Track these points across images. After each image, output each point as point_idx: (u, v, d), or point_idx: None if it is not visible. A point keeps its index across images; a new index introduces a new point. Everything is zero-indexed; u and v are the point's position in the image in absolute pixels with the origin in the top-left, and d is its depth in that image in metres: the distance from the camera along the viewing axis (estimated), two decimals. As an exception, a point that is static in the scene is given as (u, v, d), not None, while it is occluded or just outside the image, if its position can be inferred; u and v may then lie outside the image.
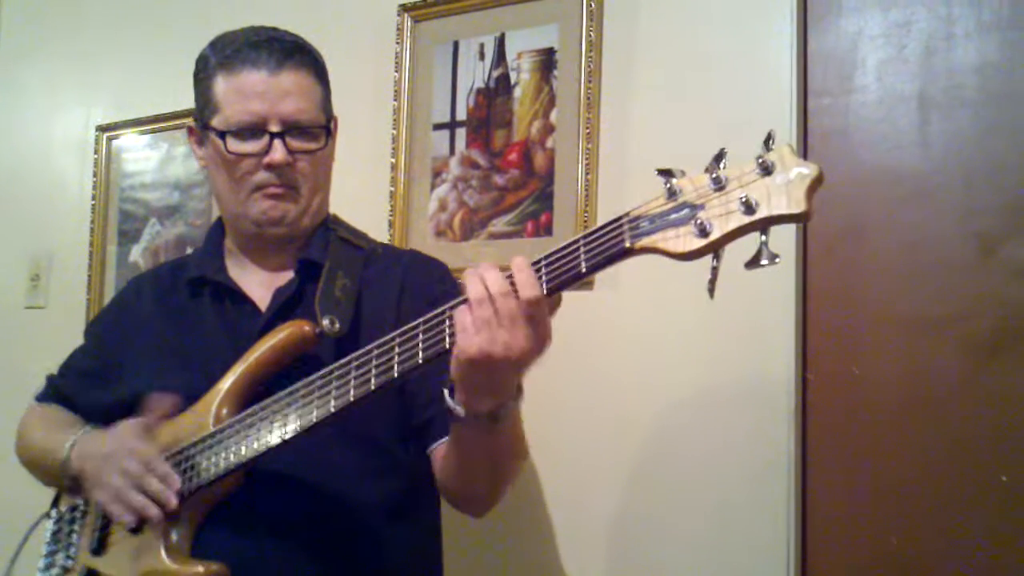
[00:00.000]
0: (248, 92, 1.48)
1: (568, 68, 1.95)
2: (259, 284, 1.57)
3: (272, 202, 1.51)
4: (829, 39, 1.76)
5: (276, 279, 1.56)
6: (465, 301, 1.16)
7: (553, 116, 1.96)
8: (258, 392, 1.41)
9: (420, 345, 1.22)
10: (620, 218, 1.08)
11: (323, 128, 1.54)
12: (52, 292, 2.76)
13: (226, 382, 1.43)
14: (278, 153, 1.48)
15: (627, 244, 1.06)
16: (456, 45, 2.11)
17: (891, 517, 1.63)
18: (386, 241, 2.08)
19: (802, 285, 1.72)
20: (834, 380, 1.69)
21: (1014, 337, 1.57)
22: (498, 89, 2.04)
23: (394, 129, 2.15)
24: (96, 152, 2.70)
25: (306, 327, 1.43)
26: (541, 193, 1.95)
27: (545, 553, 1.88)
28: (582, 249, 1.10)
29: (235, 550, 1.36)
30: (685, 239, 1.02)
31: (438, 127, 2.12)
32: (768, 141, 1.00)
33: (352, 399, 1.26)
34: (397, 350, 1.24)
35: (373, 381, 1.25)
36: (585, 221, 1.86)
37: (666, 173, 1.05)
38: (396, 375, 1.23)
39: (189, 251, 2.27)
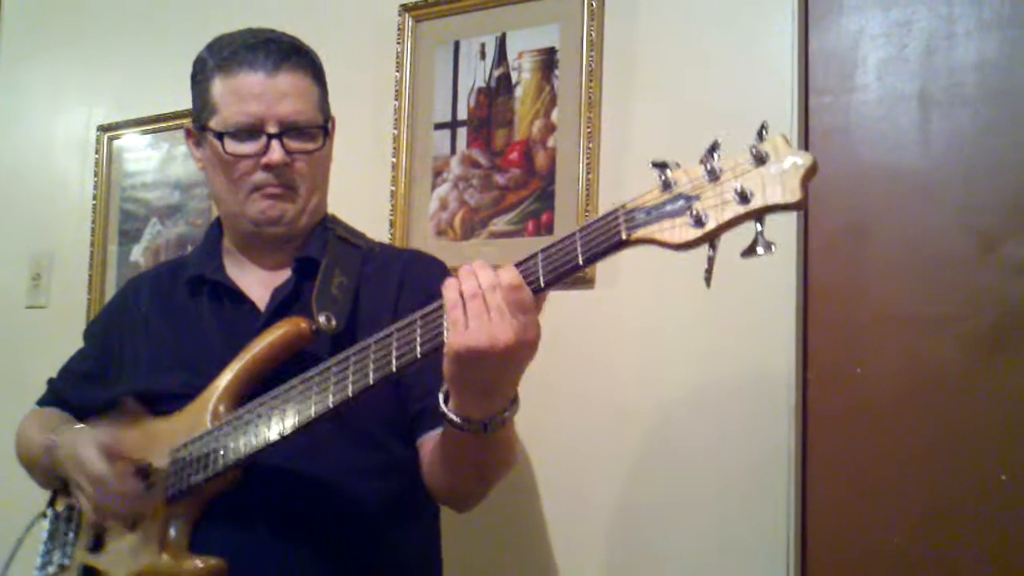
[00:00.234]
0: (245, 94, 1.49)
1: (569, 68, 1.95)
2: (257, 283, 1.57)
3: (270, 202, 1.52)
4: (830, 38, 1.76)
5: (274, 278, 1.57)
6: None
7: (554, 115, 1.96)
8: (255, 389, 1.41)
9: (418, 339, 1.22)
10: (616, 210, 1.08)
11: (320, 128, 1.55)
12: (53, 292, 2.76)
13: (223, 380, 1.44)
14: (276, 154, 1.49)
15: (623, 236, 1.07)
16: (457, 45, 2.11)
17: (891, 512, 1.63)
18: (387, 240, 2.08)
19: (803, 282, 1.72)
20: (834, 376, 1.69)
21: (1014, 334, 1.57)
22: (499, 89, 2.04)
23: (395, 129, 2.15)
24: (97, 152, 2.71)
25: (302, 324, 1.43)
26: (542, 192, 1.95)
27: (544, 545, 1.88)
28: (579, 242, 1.11)
29: (233, 546, 1.37)
30: (681, 230, 1.02)
31: (439, 127, 2.12)
32: (762, 131, 1.00)
33: (351, 394, 1.27)
34: (395, 344, 1.24)
35: (371, 375, 1.25)
36: (586, 220, 1.85)
37: (661, 165, 1.05)
38: (394, 369, 1.24)
39: (189, 250, 2.26)
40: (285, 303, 1.51)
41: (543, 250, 1.14)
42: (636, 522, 1.80)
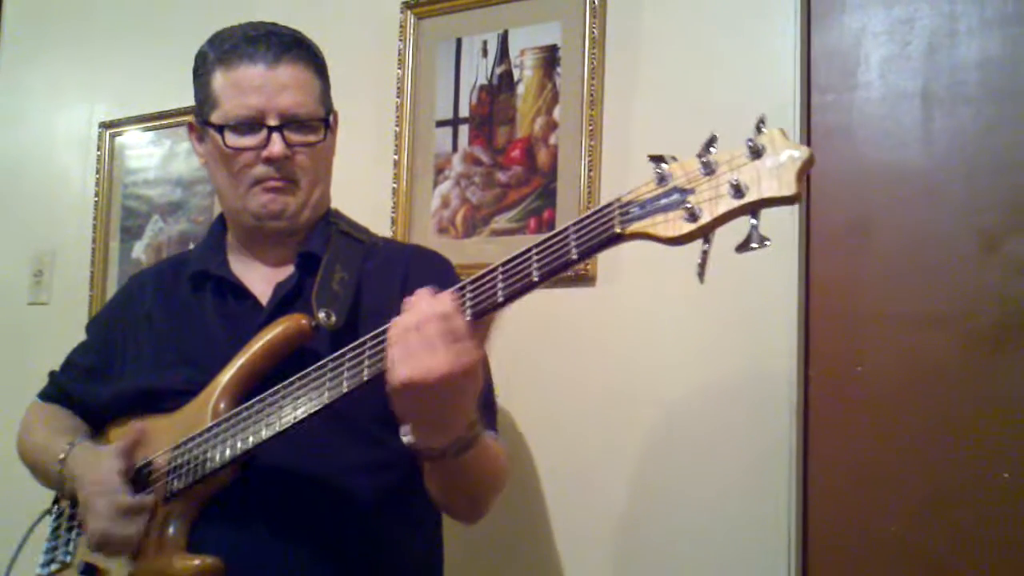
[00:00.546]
0: (245, 86, 1.48)
1: (571, 65, 1.94)
2: (260, 279, 1.57)
3: (272, 195, 1.51)
4: (833, 36, 1.76)
5: (277, 273, 1.56)
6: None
7: (556, 113, 1.96)
8: (256, 386, 1.41)
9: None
10: (610, 204, 1.07)
11: (322, 121, 1.54)
12: (55, 288, 2.76)
13: (224, 377, 1.44)
14: (276, 147, 1.48)
15: (617, 229, 1.06)
16: (459, 42, 2.11)
17: (892, 510, 1.63)
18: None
19: (805, 279, 1.71)
20: (835, 373, 1.69)
21: (1016, 333, 1.56)
22: (501, 86, 2.04)
23: (397, 126, 2.15)
24: (99, 149, 2.71)
25: (302, 321, 1.43)
26: (544, 190, 1.95)
27: (544, 544, 1.87)
28: (572, 236, 1.09)
29: (231, 543, 1.37)
30: (675, 224, 1.01)
31: (441, 124, 2.11)
32: (760, 125, 1.00)
33: (345, 390, 1.26)
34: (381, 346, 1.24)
35: (366, 372, 1.24)
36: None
37: (658, 159, 1.04)
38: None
39: (191, 247, 2.26)
40: (287, 299, 1.51)
41: (536, 245, 1.13)
42: (638, 517, 1.80)
